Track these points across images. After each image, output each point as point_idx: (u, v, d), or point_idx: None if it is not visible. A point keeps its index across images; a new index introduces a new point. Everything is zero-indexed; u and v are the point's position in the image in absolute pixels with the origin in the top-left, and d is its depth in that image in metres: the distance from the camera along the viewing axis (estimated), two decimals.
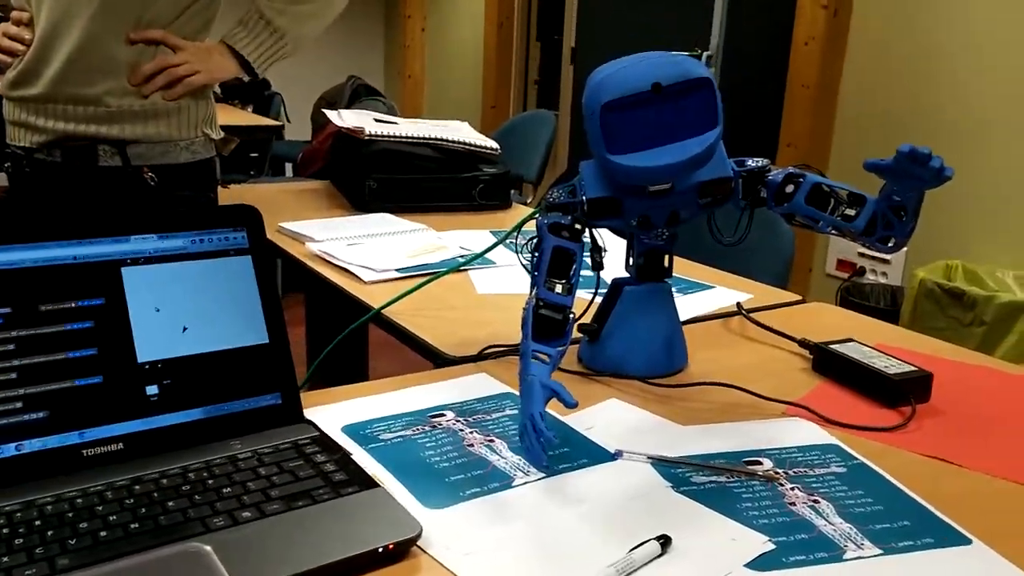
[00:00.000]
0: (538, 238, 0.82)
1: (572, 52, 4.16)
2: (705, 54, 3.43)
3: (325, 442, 0.67)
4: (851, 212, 0.81)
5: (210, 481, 0.61)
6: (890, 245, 0.81)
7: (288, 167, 4.39)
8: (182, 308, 0.69)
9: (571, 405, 0.67)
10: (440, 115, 5.22)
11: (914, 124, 2.71)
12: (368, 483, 0.61)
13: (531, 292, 0.80)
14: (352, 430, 0.73)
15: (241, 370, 0.70)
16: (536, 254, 0.81)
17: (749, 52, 3.29)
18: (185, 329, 0.69)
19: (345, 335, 1.02)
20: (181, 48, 1.28)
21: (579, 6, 4.08)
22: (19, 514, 0.56)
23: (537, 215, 0.84)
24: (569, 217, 0.81)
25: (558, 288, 0.79)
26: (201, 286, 0.70)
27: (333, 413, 0.77)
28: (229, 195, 1.69)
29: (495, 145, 1.72)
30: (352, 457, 0.66)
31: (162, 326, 0.68)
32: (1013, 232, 2.51)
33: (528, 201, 3.34)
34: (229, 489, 0.59)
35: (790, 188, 0.83)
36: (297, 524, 0.56)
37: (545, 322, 0.77)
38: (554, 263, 0.80)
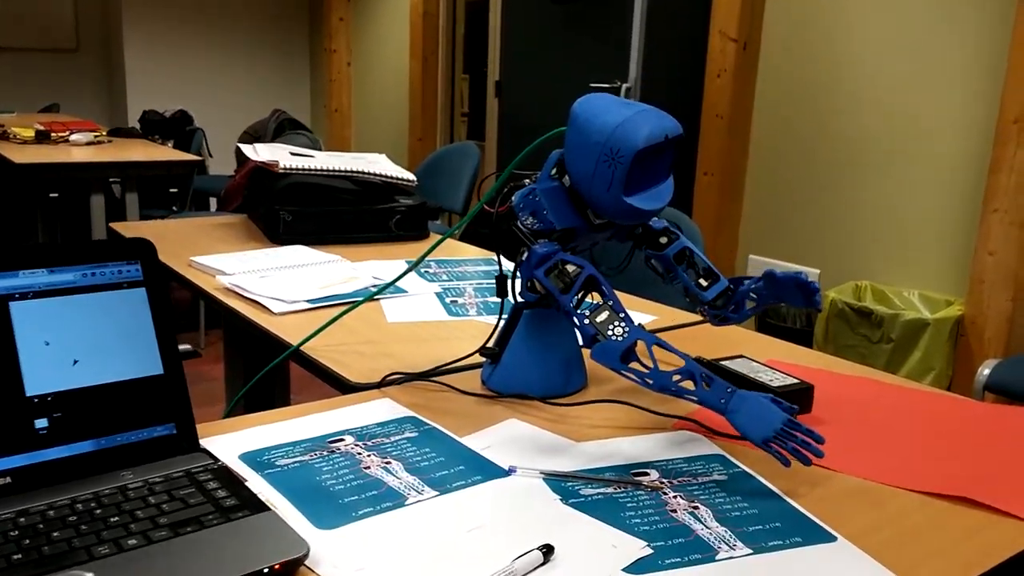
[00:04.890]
0: (559, 270, 0.82)
1: (497, 85, 4.24)
2: (624, 86, 3.54)
3: (219, 470, 0.68)
4: (704, 283, 0.93)
5: (98, 511, 0.61)
6: (719, 320, 0.94)
7: (213, 202, 4.34)
8: (73, 341, 0.69)
9: None
10: (368, 148, 5.24)
11: (822, 153, 2.84)
12: (259, 507, 0.62)
13: (616, 323, 0.78)
14: (249, 457, 0.74)
15: (134, 401, 0.70)
16: (571, 284, 0.81)
17: (665, 84, 3.41)
18: (76, 362, 0.69)
19: (262, 374, 1.02)
20: None
21: (502, 41, 4.17)
22: None
23: (524, 252, 0.85)
24: (555, 244, 0.84)
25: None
26: (93, 319, 0.71)
27: (232, 441, 0.77)
28: (145, 230, 1.67)
29: (411, 177, 1.75)
30: (246, 483, 0.67)
31: (52, 360, 0.68)
32: (917, 253, 2.65)
33: (455, 232, 3.37)
34: (117, 518, 0.60)
35: (664, 240, 0.93)
36: (184, 548, 0.57)
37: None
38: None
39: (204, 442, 0.76)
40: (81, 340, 0.70)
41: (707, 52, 3.08)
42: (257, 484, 0.69)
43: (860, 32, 2.70)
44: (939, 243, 2.59)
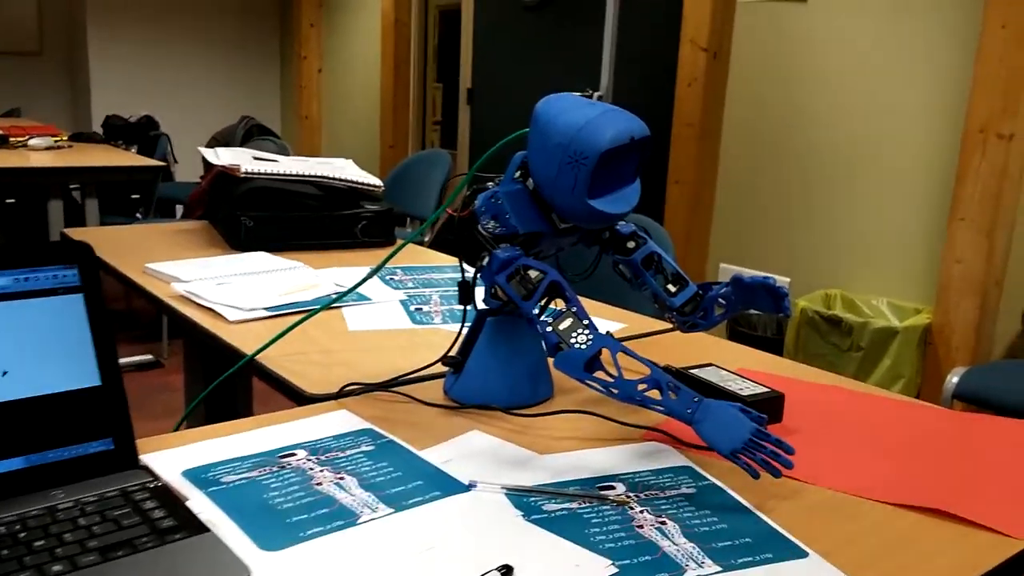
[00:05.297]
0: (520, 275, 0.78)
1: (468, 93, 4.21)
2: (596, 94, 3.53)
3: (157, 488, 0.64)
4: (672, 289, 0.91)
5: (22, 535, 0.56)
6: (688, 326, 0.92)
7: (180, 210, 4.26)
8: (2, 351, 0.65)
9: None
10: (339, 155, 5.19)
11: (792, 162, 2.85)
12: (198, 528, 0.58)
13: (579, 330, 0.75)
14: (193, 474, 0.70)
15: (69, 415, 0.66)
16: (533, 290, 0.78)
17: (636, 93, 3.40)
18: (5, 373, 0.65)
19: (213, 387, 0.98)
20: None
21: (474, 49, 4.15)
22: None
23: (486, 256, 0.81)
24: (518, 248, 0.81)
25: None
26: (25, 327, 0.66)
27: (176, 457, 0.73)
28: (102, 236, 1.61)
29: (378, 182, 1.71)
30: (187, 502, 0.63)
31: None
32: (886, 261, 2.66)
33: (426, 240, 3.35)
34: (42, 542, 0.55)
35: (631, 244, 0.90)
36: (112, 574, 0.52)
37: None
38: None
39: (147, 458, 0.72)
40: (12, 349, 0.65)
41: (678, 61, 3.08)
42: (199, 503, 0.64)
43: (829, 42, 2.71)
44: (907, 251, 2.60)
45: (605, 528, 0.64)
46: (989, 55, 2.28)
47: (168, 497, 0.62)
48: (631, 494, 0.70)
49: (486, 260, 0.81)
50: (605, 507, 0.68)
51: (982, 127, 2.31)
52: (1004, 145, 2.28)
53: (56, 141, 3.21)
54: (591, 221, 0.80)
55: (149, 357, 3.21)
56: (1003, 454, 0.80)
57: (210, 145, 4.02)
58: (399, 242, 1.70)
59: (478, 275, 0.83)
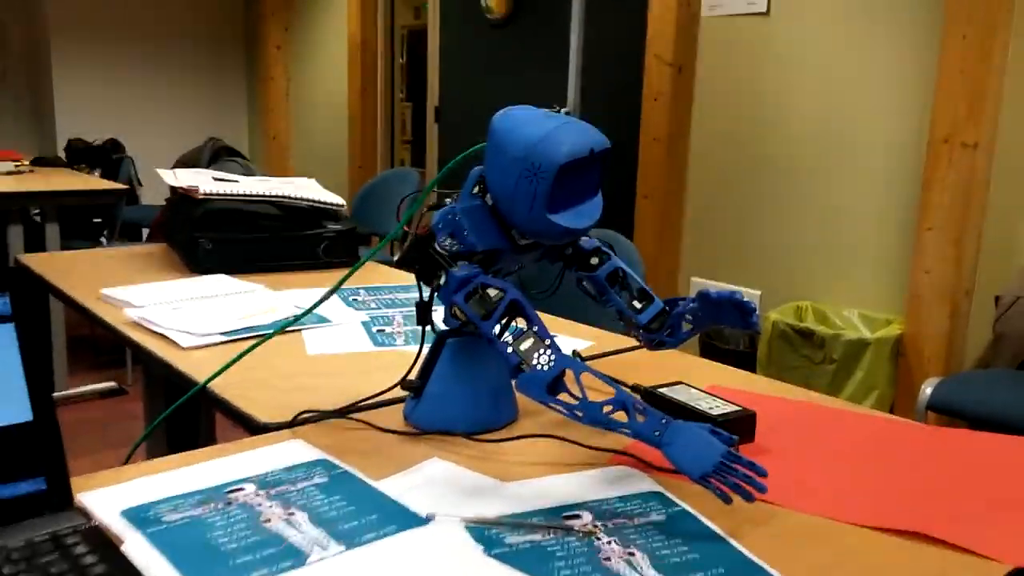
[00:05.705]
0: (479, 294, 0.75)
1: (436, 111, 4.19)
2: (563, 110, 3.52)
3: (89, 531, 0.59)
4: (638, 305, 0.88)
5: None
6: (655, 344, 0.89)
7: (146, 232, 4.18)
8: None
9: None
10: (307, 175, 5.13)
11: (760, 175, 2.85)
12: (132, 575, 0.54)
13: (541, 351, 0.72)
14: (133, 513, 0.65)
15: None
16: (492, 309, 0.74)
17: (604, 108, 3.40)
18: None
19: (162, 418, 0.94)
20: None
21: (441, 68, 4.14)
22: None
23: (445, 274, 0.78)
24: (476, 266, 0.78)
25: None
26: None
27: (116, 495, 0.68)
28: (59, 261, 1.56)
29: (340, 201, 1.68)
30: (122, 545, 0.58)
31: None
32: (856, 272, 2.66)
33: (396, 259, 3.30)
34: None
35: (595, 260, 0.88)
36: None
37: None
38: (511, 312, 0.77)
39: (85, 496, 0.67)
40: None
41: (644, 76, 3.08)
42: (136, 545, 0.60)
43: (793, 55, 2.72)
44: (877, 262, 2.61)
45: (570, 562, 0.61)
46: (950, 66, 2.30)
47: (101, 541, 0.58)
48: (598, 523, 0.67)
49: (443, 279, 0.78)
50: (571, 538, 0.64)
51: (946, 137, 2.32)
52: (969, 154, 2.29)
53: (17, 166, 3.14)
54: (552, 237, 0.77)
55: (112, 384, 3.12)
56: (986, 472, 0.78)
57: (175, 168, 3.95)
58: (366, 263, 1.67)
59: (436, 295, 0.80)
